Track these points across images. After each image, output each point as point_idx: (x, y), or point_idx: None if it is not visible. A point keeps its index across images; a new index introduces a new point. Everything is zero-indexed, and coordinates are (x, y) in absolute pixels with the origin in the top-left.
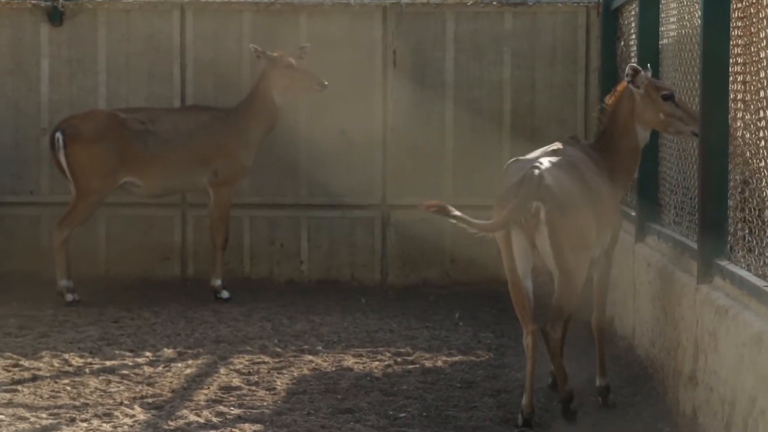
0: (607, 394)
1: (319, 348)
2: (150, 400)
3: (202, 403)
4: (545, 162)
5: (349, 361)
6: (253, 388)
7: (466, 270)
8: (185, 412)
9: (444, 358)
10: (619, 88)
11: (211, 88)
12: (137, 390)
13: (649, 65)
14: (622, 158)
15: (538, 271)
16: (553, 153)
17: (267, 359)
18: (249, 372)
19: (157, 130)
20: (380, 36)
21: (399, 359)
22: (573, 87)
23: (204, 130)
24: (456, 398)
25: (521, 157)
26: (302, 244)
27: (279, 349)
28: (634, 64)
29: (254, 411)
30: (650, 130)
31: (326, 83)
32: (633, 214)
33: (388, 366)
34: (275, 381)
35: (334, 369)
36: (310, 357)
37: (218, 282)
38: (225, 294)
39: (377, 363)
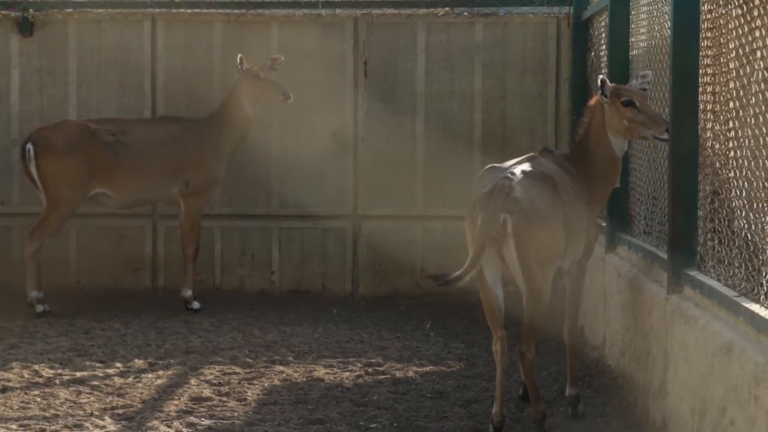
0: (577, 404)
1: (290, 358)
2: (120, 411)
3: (173, 413)
4: (518, 172)
5: (320, 372)
6: (224, 398)
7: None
8: (156, 422)
9: (415, 368)
10: (592, 101)
11: (182, 99)
12: (108, 401)
13: (650, 72)
14: (599, 168)
15: (505, 281)
16: (528, 162)
17: (238, 370)
18: (220, 383)
19: (128, 141)
20: (351, 46)
21: (370, 370)
22: (543, 97)
23: (175, 141)
24: (427, 408)
25: (497, 165)
26: (273, 255)
27: (250, 360)
28: (603, 76)
29: (225, 422)
30: (623, 139)
31: (290, 94)
32: (603, 224)
33: (359, 376)
34: (246, 392)
35: (305, 379)
36: (281, 367)
37: (189, 292)
38: (196, 304)
39: (348, 373)
